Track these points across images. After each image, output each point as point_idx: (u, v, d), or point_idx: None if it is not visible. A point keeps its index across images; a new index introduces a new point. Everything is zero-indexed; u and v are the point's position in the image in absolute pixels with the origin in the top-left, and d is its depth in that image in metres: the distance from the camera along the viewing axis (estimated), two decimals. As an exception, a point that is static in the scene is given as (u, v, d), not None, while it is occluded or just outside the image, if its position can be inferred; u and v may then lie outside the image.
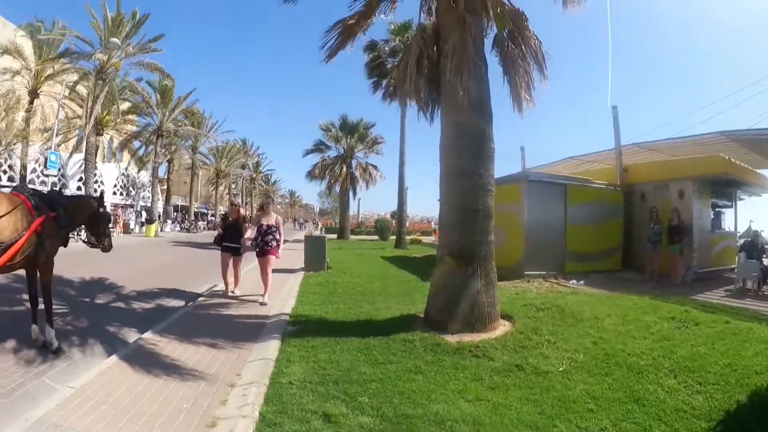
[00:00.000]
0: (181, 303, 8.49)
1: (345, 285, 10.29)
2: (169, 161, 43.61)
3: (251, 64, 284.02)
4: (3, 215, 4.41)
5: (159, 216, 41.25)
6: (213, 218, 54.25)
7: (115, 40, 22.46)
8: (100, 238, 5.95)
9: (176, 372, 4.53)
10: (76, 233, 7.68)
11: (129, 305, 8.25)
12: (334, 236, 32.95)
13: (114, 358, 4.89)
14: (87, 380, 4.19)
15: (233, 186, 66.52)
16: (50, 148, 22.85)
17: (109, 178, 37.40)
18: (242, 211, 9.71)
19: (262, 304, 7.97)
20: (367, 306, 7.80)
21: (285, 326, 6.34)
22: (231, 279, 9.13)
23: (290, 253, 15.24)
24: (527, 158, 20.71)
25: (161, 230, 36.48)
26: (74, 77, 26.89)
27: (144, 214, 37.28)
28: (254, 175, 78.02)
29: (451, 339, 5.42)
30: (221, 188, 60.70)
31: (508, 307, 6.95)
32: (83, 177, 30.59)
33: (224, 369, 4.67)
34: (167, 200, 45.22)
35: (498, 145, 6.33)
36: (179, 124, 37.62)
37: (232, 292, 8.96)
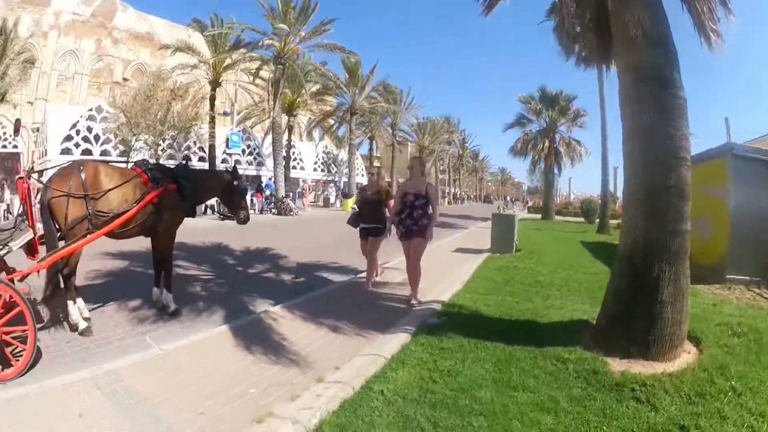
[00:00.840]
0: (339, 279, 8.19)
1: (525, 272, 8.97)
2: (371, 139, 45.50)
3: (441, 41, 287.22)
4: (113, 188, 4.85)
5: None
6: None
7: (282, 26, 23.60)
8: (234, 210, 6.08)
9: (275, 352, 4.38)
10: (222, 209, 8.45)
11: (279, 277, 8.31)
12: (539, 216, 31.08)
13: (223, 327, 5.04)
14: (180, 345, 4.43)
15: (440, 163, 67.04)
16: (233, 129, 25.31)
17: (308, 155, 41.19)
18: (385, 181, 8.65)
19: (412, 304, 6.19)
20: (539, 302, 6.45)
21: (428, 317, 5.53)
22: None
23: (485, 232, 14.21)
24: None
25: None
26: (255, 65, 29.72)
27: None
28: (461, 152, 77.39)
29: (616, 366, 4.02)
30: (428, 165, 61.65)
31: (697, 324, 5.01)
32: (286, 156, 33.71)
33: (328, 359, 4.25)
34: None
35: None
36: (373, 101, 38.76)
37: (376, 278, 7.57)
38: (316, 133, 42.46)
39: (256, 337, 4.69)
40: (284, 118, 32.01)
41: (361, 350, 4.40)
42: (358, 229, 7.35)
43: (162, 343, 4.48)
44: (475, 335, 4.61)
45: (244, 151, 33.59)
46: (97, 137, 27.58)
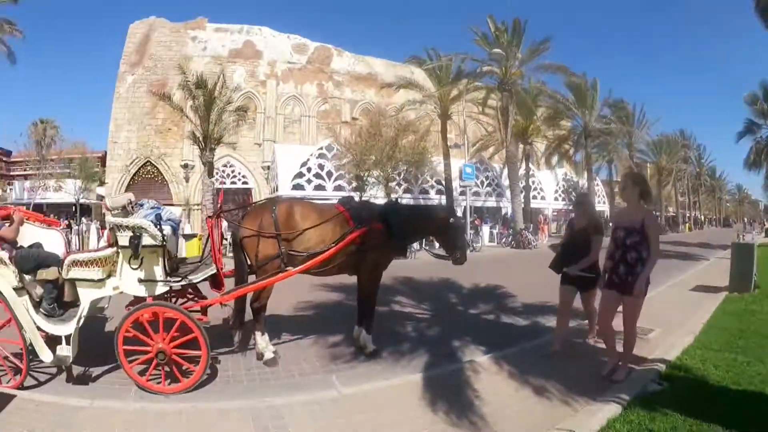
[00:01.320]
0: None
1: (763, 319, 7.15)
2: (609, 162, 41.10)
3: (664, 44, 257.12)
4: (309, 227, 4.90)
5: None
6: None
7: (497, 50, 22.23)
8: (450, 250, 5.61)
9: (459, 413, 3.82)
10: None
11: (500, 319, 7.61)
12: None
13: (416, 376, 4.62)
14: (361, 389, 4.26)
15: (678, 184, 57.23)
16: (468, 161, 23.69)
17: (547, 184, 37.49)
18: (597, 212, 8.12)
19: (616, 379, 4.50)
20: (775, 361, 4.83)
21: (648, 382, 4.42)
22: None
23: (724, 264, 12.33)
24: None
25: None
26: (482, 95, 27.99)
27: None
28: (698, 170, 65.46)
29: None
30: (668, 187, 53.04)
31: None
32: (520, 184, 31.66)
33: (517, 429, 3.60)
34: (612, 203, 41.95)
35: None
36: (605, 121, 34.28)
37: (593, 339, 5.79)
38: (554, 161, 38.87)
39: (447, 392, 4.23)
40: (519, 147, 30.45)
41: (559, 422, 3.60)
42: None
43: (346, 385, 4.36)
44: (694, 412, 3.61)
45: (482, 183, 31.74)
46: (330, 173, 28.13)
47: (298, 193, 25.52)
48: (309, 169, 28.39)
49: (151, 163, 31.92)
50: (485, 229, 25.40)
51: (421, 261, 15.32)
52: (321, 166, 28.45)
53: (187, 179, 31.03)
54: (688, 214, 61.83)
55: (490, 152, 34.18)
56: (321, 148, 29.01)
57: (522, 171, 30.03)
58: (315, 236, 4.87)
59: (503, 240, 24.78)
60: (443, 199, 27.48)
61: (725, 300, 8.84)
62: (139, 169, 32.16)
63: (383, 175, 21.70)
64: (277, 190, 28.04)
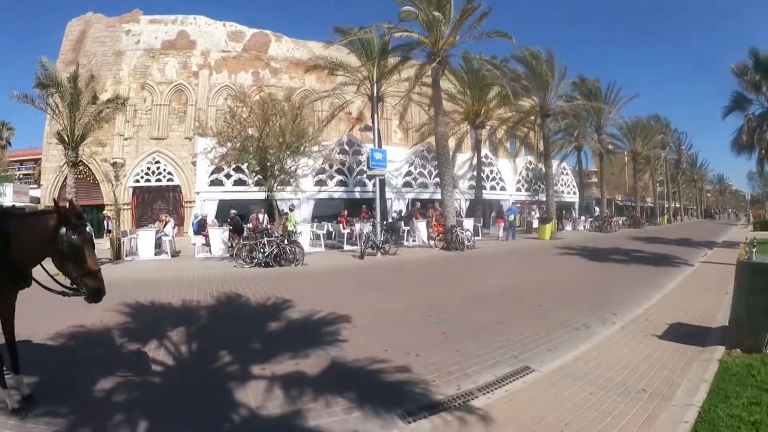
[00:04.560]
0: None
1: None
2: (578, 149, 37.62)
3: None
4: None
5: (573, 212, 36.86)
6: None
7: (436, 13, 18.56)
8: (71, 278, 3.72)
9: None
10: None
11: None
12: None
13: None
14: None
15: (657, 173, 53.74)
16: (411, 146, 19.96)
17: (507, 173, 33.50)
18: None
19: None
20: None
21: None
22: None
23: (712, 274, 10.92)
24: None
25: (571, 228, 32.71)
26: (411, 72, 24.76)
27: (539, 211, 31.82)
28: (678, 157, 62.19)
29: None
30: (646, 176, 49.58)
31: None
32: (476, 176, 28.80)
33: None
34: (582, 194, 38.95)
35: None
36: (566, 99, 30.26)
37: None
38: (515, 147, 35.43)
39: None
40: (471, 133, 28.55)
41: None
42: None
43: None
44: None
45: (431, 173, 27.54)
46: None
47: (216, 189, 22.10)
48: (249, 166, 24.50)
49: (83, 162, 28.90)
50: (421, 227, 21.07)
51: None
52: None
53: (117, 178, 29.67)
54: (667, 205, 58.49)
55: (452, 141, 30.35)
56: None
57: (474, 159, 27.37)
58: None
59: (432, 239, 20.27)
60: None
61: (723, 370, 4.70)
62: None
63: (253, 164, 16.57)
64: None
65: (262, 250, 13.81)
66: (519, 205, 32.20)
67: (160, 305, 8.04)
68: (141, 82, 31.25)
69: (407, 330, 6.41)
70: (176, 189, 30.96)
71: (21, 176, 44.55)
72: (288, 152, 15.80)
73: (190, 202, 28.39)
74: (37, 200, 30.48)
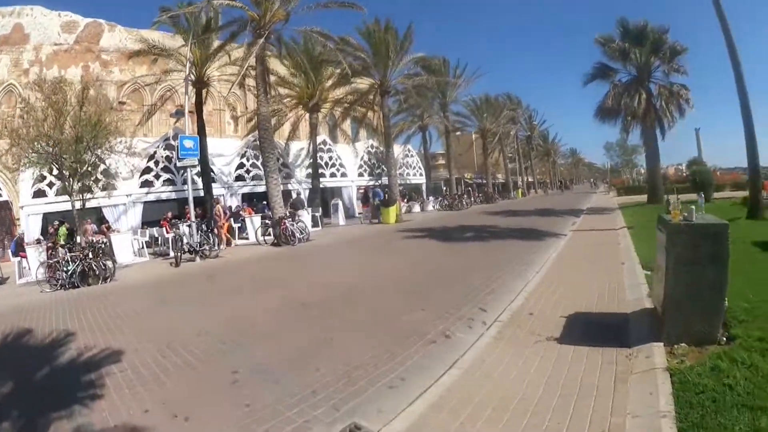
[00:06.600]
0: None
1: None
2: (422, 129, 38.30)
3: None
4: None
5: (422, 194, 37.16)
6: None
7: None
8: None
9: None
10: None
11: None
12: (638, 198, 27.22)
13: None
14: None
15: (508, 149, 57.51)
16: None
17: (348, 158, 32.87)
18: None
19: None
20: None
21: None
22: None
23: (590, 243, 9.96)
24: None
25: (420, 210, 32.39)
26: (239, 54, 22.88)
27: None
28: (530, 134, 67.21)
29: None
30: (496, 153, 52.50)
31: None
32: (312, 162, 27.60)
33: None
34: (429, 175, 39.90)
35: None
36: (407, 76, 29.58)
37: None
38: (354, 130, 34.65)
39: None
40: (306, 117, 27.55)
41: None
42: None
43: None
44: None
45: (242, 165, 25.96)
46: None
47: (40, 201, 19.63)
48: (51, 169, 21.70)
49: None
50: (255, 222, 20.01)
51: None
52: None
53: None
54: (520, 180, 62.77)
55: (287, 129, 29.64)
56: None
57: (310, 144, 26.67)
58: None
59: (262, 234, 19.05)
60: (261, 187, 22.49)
61: (681, 387, 3.14)
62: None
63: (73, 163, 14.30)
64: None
65: (64, 269, 12.01)
66: (362, 190, 32.56)
67: None
68: (-34, 86, 27.70)
69: (189, 371, 4.85)
70: (5, 205, 26.16)
71: None
72: (82, 147, 13.88)
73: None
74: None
